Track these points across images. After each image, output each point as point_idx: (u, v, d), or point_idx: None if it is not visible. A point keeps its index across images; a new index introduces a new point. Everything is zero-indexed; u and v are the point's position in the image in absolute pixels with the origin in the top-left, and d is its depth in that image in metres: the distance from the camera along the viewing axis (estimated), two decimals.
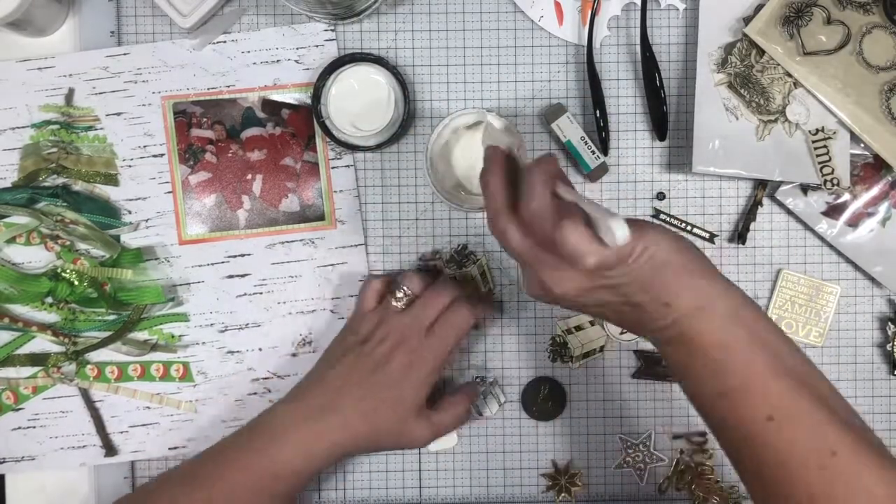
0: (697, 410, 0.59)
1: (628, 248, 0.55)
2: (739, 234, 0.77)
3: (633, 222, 0.54)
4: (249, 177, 0.77)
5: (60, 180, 0.76)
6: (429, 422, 0.70)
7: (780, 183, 0.76)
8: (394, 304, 0.71)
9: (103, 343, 0.76)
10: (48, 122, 0.76)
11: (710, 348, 0.56)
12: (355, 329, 0.72)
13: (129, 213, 0.76)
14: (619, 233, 0.52)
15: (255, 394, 0.77)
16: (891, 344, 0.77)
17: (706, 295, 0.56)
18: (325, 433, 0.67)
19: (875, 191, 0.76)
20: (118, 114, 0.76)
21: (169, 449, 0.77)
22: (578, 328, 0.77)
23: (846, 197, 0.76)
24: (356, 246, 0.77)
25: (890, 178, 0.76)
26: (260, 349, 0.77)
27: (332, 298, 0.77)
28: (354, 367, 0.69)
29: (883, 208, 0.76)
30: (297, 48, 0.76)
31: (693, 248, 0.59)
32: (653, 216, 0.77)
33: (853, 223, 0.76)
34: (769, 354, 0.56)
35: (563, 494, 0.77)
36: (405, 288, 0.71)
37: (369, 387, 0.68)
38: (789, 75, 0.73)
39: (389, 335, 0.70)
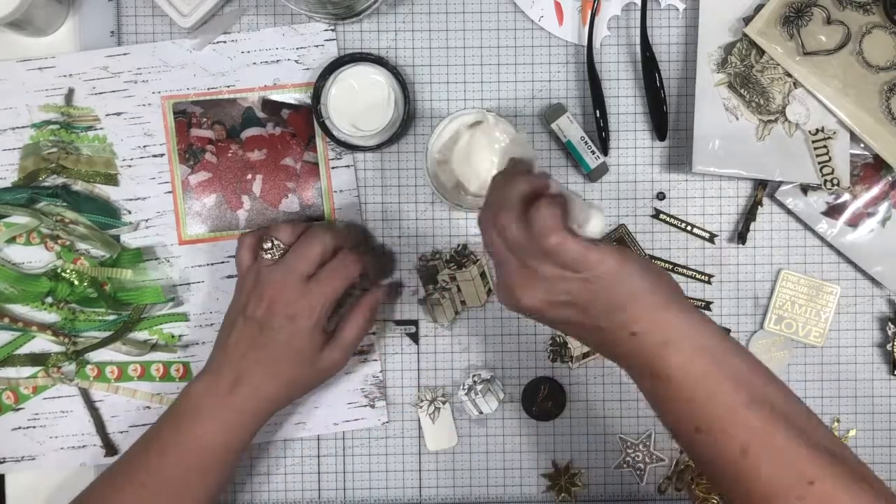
0: (677, 443, 0.59)
1: (593, 254, 0.55)
2: (739, 234, 0.77)
3: (607, 242, 0.54)
4: (249, 177, 0.77)
5: (60, 180, 0.76)
6: (334, 347, 0.70)
7: (780, 183, 0.76)
8: (265, 256, 0.69)
9: (103, 343, 0.76)
10: (48, 122, 0.76)
11: (681, 382, 0.56)
12: (238, 290, 0.70)
13: (129, 213, 0.76)
14: (595, 221, 0.52)
15: None
16: (891, 344, 0.77)
17: (675, 328, 0.56)
18: (240, 404, 0.67)
19: (875, 191, 0.76)
20: (118, 114, 0.76)
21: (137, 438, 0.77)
22: None
23: (846, 197, 0.76)
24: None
25: (890, 178, 0.76)
26: None
27: None
28: (244, 332, 0.68)
29: (883, 208, 0.76)
30: (297, 48, 0.76)
31: (663, 275, 0.58)
32: (653, 216, 0.77)
33: (853, 223, 0.76)
34: (741, 387, 0.55)
35: (563, 494, 0.77)
36: (273, 238, 0.69)
37: (262, 348, 0.68)
38: (789, 75, 0.74)
39: (265, 293, 0.68)
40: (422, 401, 0.77)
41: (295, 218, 0.76)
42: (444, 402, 0.77)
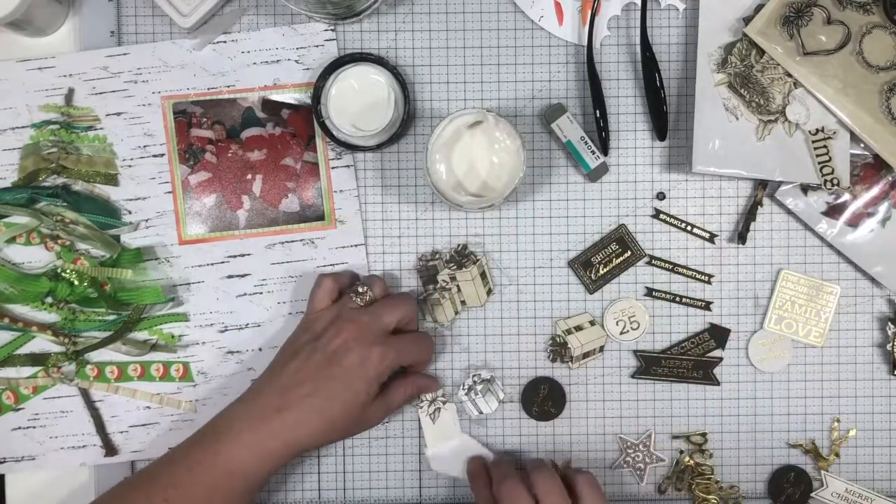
0: None
1: None
2: (739, 234, 0.77)
3: None
4: (249, 177, 0.77)
5: (60, 180, 0.76)
6: (380, 403, 0.71)
7: (780, 183, 0.76)
8: (353, 299, 0.71)
9: (103, 343, 0.76)
10: (48, 122, 0.76)
11: None
12: (309, 326, 0.71)
13: (129, 213, 0.76)
14: None
15: None
16: (891, 344, 0.77)
17: None
18: (279, 432, 0.67)
19: (875, 191, 0.76)
20: (118, 114, 0.76)
21: (169, 449, 0.77)
22: (578, 328, 0.77)
23: (846, 197, 0.76)
24: (356, 246, 0.77)
25: (890, 178, 0.76)
26: (260, 349, 0.77)
27: None
28: (308, 362, 0.69)
29: (883, 208, 0.76)
30: (297, 48, 0.76)
31: None
32: (653, 216, 0.77)
33: (853, 223, 0.76)
34: None
35: None
36: (367, 288, 0.72)
37: (322, 381, 0.68)
38: (789, 75, 0.74)
39: (345, 329, 0.69)
40: (422, 400, 0.77)
41: (295, 216, 0.76)
42: (444, 402, 0.77)
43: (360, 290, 0.72)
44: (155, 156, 0.76)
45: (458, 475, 0.76)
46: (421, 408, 0.77)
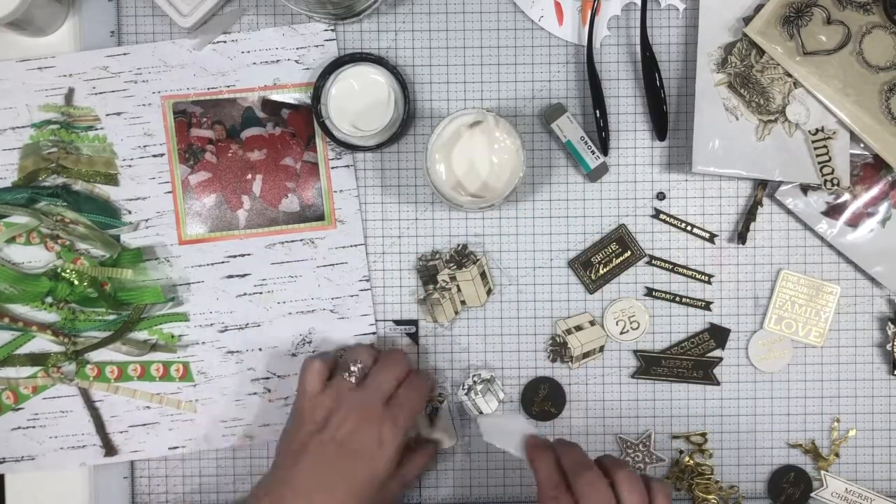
0: None
1: None
2: (739, 234, 0.77)
3: None
4: (249, 177, 0.77)
5: (60, 180, 0.76)
6: (399, 480, 0.71)
7: (780, 183, 0.76)
8: (347, 378, 0.70)
9: (103, 343, 0.76)
10: (48, 122, 0.76)
11: None
12: (308, 416, 0.69)
13: (129, 212, 0.76)
14: None
15: (255, 394, 0.77)
16: (891, 344, 0.77)
17: None
18: None
19: (875, 191, 0.76)
20: (118, 114, 0.76)
21: (169, 449, 0.77)
22: (578, 328, 0.77)
23: (846, 197, 0.76)
24: (356, 246, 0.77)
25: (890, 178, 0.76)
26: (260, 349, 0.77)
27: (332, 298, 0.77)
28: (321, 457, 0.67)
29: (883, 208, 0.76)
30: (297, 48, 0.76)
31: None
32: (653, 216, 0.77)
33: (853, 223, 0.76)
34: None
35: None
36: (358, 362, 0.70)
37: (341, 473, 0.66)
38: (789, 75, 0.74)
39: (350, 414, 0.68)
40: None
41: (295, 216, 0.76)
42: (441, 402, 0.77)
43: (352, 367, 0.70)
44: (155, 156, 0.76)
45: (509, 448, 0.71)
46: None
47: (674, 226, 0.77)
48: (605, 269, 0.77)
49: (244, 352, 0.77)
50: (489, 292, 0.77)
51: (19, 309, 0.76)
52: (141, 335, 0.77)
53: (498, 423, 0.72)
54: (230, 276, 0.77)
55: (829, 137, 0.74)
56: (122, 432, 0.77)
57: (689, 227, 0.77)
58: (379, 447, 0.68)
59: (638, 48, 0.75)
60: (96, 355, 0.77)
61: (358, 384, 0.70)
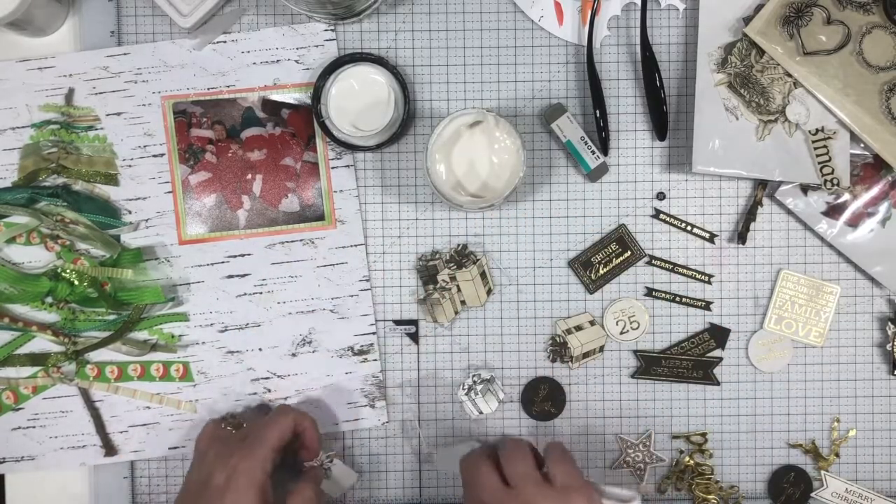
0: None
1: None
2: (739, 234, 0.77)
3: None
4: (249, 177, 0.77)
5: (60, 180, 0.76)
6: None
7: (780, 183, 0.76)
8: (224, 427, 0.72)
9: (103, 343, 0.76)
10: (48, 122, 0.76)
11: None
12: (189, 473, 0.70)
13: (129, 212, 0.76)
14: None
15: (255, 394, 0.77)
16: (891, 344, 0.77)
17: None
18: None
19: (875, 191, 0.76)
20: (118, 114, 0.76)
21: (169, 449, 0.77)
22: (578, 328, 0.77)
23: (846, 197, 0.76)
24: (356, 246, 0.77)
25: (890, 178, 0.76)
26: (260, 349, 0.77)
27: (332, 298, 0.77)
28: (186, 499, 0.67)
29: (883, 208, 0.76)
30: (297, 48, 0.76)
31: None
32: (653, 216, 0.77)
33: (853, 223, 0.76)
34: None
35: None
36: (232, 414, 0.74)
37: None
38: (789, 75, 0.74)
39: (208, 453, 0.69)
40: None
41: (295, 216, 0.76)
42: (331, 461, 0.74)
43: (229, 417, 0.73)
44: (155, 156, 0.76)
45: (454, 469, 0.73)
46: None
47: (674, 226, 0.77)
48: (605, 269, 0.77)
49: (244, 352, 0.77)
50: (489, 292, 0.77)
51: (19, 309, 0.76)
52: (141, 335, 0.77)
53: (451, 451, 0.75)
54: (230, 276, 0.77)
55: (829, 137, 0.74)
56: (122, 432, 0.77)
57: (689, 227, 0.77)
58: (233, 479, 0.65)
59: (638, 48, 0.75)
60: (96, 355, 0.77)
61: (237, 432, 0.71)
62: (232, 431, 0.71)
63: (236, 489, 0.65)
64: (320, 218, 0.77)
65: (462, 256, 0.77)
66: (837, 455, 0.78)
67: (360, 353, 0.77)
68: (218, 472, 0.66)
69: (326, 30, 0.76)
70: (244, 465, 0.66)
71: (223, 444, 0.69)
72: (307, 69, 0.76)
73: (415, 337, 0.78)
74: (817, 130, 0.74)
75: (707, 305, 0.77)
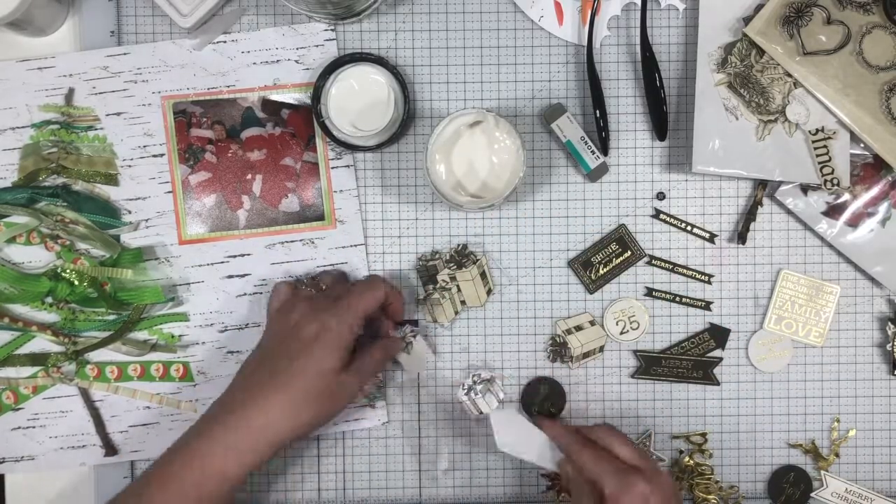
0: None
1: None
2: (739, 234, 0.77)
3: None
4: (249, 177, 0.77)
5: (60, 180, 0.76)
6: (352, 372, 0.69)
7: (780, 183, 0.76)
8: (306, 288, 0.73)
9: (103, 343, 0.76)
10: (48, 122, 0.76)
11: None
12: (271, 327, 0.71)
13: (129, 212, 0.76)
14: None
15: None
16: (891, 344, 0.77)
17: None
18: (246, 426, 0.65)
19: (875, 191, 0.76)
20: (118, 114, 0.76)
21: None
22: (578, 328, 0.77)
23: (846, 197, 0.76)
24: (356, 246, 0.77)
25: (890, 178, 0.76)
26: None
27: None
28: (265, 351, 0.69)
29: (883, 208, 0.76)
30: (297, 48, 0.76)
31: None
32: (653, 216, 0.77)
33: (853, 223, 0.76)
34: None
35: (563, 495, 0.77)
36: (311, 276, 0.73)
37: (281, 363, 0.67)
38: (789, 75, 0.74)
39: (296, 308, 0.69)
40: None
41: (295, 216, 0.76)
42: (415, 336, 0.76)
43: (306, 279, 0.73)
44: (155, 156, 0.76)
45: (529, 458, 0.72)
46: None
47: (674, 226, 0.77)
48: (605, 269, 0.77)
49: (244, 352, 0.77)
50: (489, 292, 0.77)
51: (19, 309, 0.76)
52: (141, 335, 0.77)
53: (513, 422, 0.72)
54: (230, 276, 0.77)
55: (829, 137, 0.74)
56: (122, 432, 0.77)
57: (689, 227, 0.77)
58: (321, 335, 0.67)
59: (638, 48, 0.75)
60: (96, 355, 0.77)
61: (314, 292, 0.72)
62: (312, 292, 0.72)
63: (325, 345, 0.67)
64: (320, 218, 0.77)
65: (462, 256, 0.77)
66: (837, 455, 0.78)
67: None
68: (307, 325, 0.67)
69: (326, 30, 0.76)
70: (336, 324, 0.67)
71: (309, 302, 0.69)
72: (307, 69, 0.76)
73: (415, 337, 0.77)
74: (817, 130, 0.74)
75: (707, 305, 0.77)
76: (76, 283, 0.75)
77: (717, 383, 0.78)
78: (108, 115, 0.76)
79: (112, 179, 0.76)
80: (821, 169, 0.74)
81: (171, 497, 0.65)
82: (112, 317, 0.76)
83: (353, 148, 0.74)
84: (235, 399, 0.67)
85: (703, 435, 0.77)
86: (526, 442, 0.71)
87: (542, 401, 0.77)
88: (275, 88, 0.76)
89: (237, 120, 0.76)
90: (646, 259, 0.77)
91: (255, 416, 0.66)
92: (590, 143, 0.75)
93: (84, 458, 0.77)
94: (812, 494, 0.77)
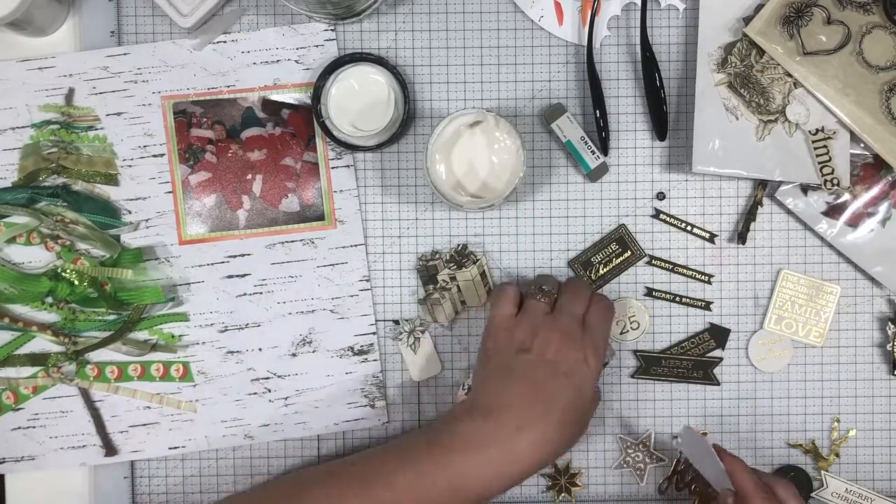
0: None
1: None
2: (739, 234, 0.77)
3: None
4: (249, 177, 0.77)
5: (60, 180, 0.76)
6: (597, 396, 0.70)
7: (780, 183, 0.76)
8: (539, 300, 0.70)
9: (103, 343, 0.76)
10: (48, 122, 0.76)
11: None
12: (508, 336, 0.69)
13: (129, 213, 0.76)
14: None
15: (255, 394, 0.77)
16: (891, 344, 0.77)
17: None
18: (520, 453, 0.64)
19: (875, 191, 0.76)
20: (118, 114, 0.76)
21: (169, 449, 0.77)
22: None
23: (846, 197, 0.76)
24: (356, 246, 0.77)
25: (890, 178, 0.76)
26: (260, 349, 0.77)
27: (332, 298, 0.77)
28: (532, 377, 0.66)
29: (883, 208, 0.76)
30: (297, 48, 0.76)
31: None
32: (653, 216, 0.77)
33: (853, 223, 0.76)
34: None
35: (563, 494, 0.77)
36: (546, 288, 0.70)
37: (552, 395, 0.66)
38: (789, 75, 0.74)
39: (552, 337, 0.67)
40: (401, 333, 0.77)
41: (295, 216, 0.76)
42: (423, 332, 0.77)
43: (545, 288, 0.70)
44: (155, 156, 0.76)
45: (702, 470, 0.71)
46: (401, 339, 0.76)
47: (674, 226, 0.77)
48: (605, 269, 0.77)
49: (244, 352, 0.77)
50: (489, 292, 0.77)
51: (19, 309, 0.76)
52: (141, 335, 0.77)
53: (696, 441, 0.72)
54: (230, 276, 0.77)
55: (829, 137, 0.74)
56: (122, 432, 0.77)
57: (689, 227, 0.77)
58: (586, 369, 0.67)
59: (638, 48, 0.75)
60: (96, 355, 0.77)
61: (551, 309, 0.70)
62: (546, 306, 0.70)
63: (590, 379, 0.67)
64: (320, 218, 0.77)
65: (462, 256, 0.77)
66: (837, 455, 0.78)
67: (360, 353, 0.77)
68: (570, 359, 0.67)
69: (326, 30, 0.76)
70: (593, 354, 0.68)
71: (552, 325, 0.68)
72: (307, 69, 0.76)
73: None
74: (817, 130, 0.74)
75: (707, 305, 0.77)
76: (76, 283, 0.75)
77: (718, 383, 0.78)
78: (108, 115, 0.76)
79: (112, 179, 0.76)
80: (821, 169, 0.74)
81: (423, 489, 0.64)
82: (112, 317, 0.76)
83: (353, 148, 0.74)
84: (507, 424, 0.65)
85: (703, 435, 0.77)
86: (700, 459, 0.71)
87: None
88: (275, 88, 0.76)
89: (237, 120, 0.76)
90: (646, 259, 0.77)
91: (529, 449, 0.65)
92: (590, 143, 0.75)
93: (84, 458, 0.77)
94: (812, 494, 0.77)
